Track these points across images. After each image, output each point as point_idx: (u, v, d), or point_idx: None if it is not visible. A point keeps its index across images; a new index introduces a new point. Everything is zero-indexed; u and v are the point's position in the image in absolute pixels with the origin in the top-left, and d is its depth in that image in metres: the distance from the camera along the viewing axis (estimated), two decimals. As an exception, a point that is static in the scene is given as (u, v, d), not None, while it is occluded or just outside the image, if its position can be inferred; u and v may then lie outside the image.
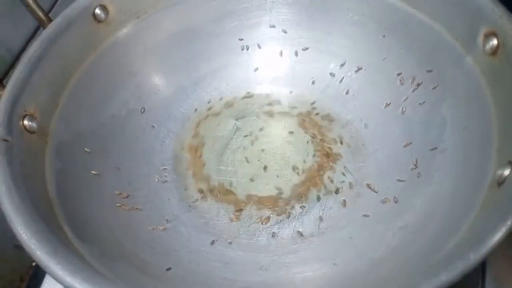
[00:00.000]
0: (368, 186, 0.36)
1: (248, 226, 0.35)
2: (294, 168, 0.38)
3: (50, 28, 0.33)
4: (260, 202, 0.37)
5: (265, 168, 0.39)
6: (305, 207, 0.36)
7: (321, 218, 0.35)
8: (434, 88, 0.35)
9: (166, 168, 0.39)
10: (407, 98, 0.37)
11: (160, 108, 0.41)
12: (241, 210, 0.36)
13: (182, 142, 0.40)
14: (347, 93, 0.41)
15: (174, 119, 0.41)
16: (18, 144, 0.28)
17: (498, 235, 0.22)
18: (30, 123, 0.30)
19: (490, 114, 0.29)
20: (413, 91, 0.37)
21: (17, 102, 0.29)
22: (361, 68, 0.41)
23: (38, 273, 0.40)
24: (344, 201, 0.36)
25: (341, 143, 0.39)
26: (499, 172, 0.26)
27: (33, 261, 0.41)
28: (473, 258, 0.21)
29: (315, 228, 0.35)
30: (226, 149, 0.40)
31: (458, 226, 0.26)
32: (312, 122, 0.41)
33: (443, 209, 0.30)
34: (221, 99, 0.43)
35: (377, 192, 0.35)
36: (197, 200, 0.37)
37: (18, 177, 0.26)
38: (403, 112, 0.37)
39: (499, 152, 0.27)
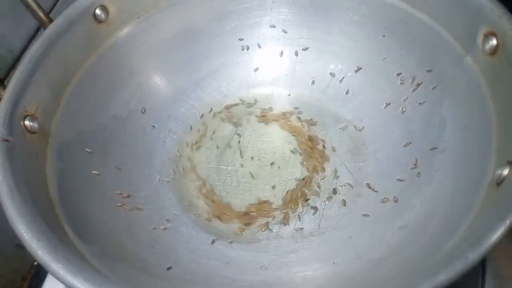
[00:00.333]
0: (368, 185, 0.36)
1: (248, 225, 0.35)
2: (294, 168, 0.38)
3: (51, 29, 0.33)
4: (261, 201, 0.37)
5: (265, 168, 0.39)
6: (305, 206, 0.36)
7: (321, 218, 0.35)
8: (434, 88, 0.35)
9: (167, 168, 0.39)
10: (407, 98, 0.37)
11: (161, 108, 0.41)
12: (242, 209, 0.36)
13: (182, 142, 0.40)
14: (347, 93, 0.41)
15: (174, 119, 0.41)
16: (19, 145, 0.28)
17: (497, 235, 0.22)
18: (31, 123, 0.30)
19: (490, 114, 0.29)
20: (413, 91, 0.37)
21: (18, 102, 0.29)
22: (361, 68, 0.41)
23: (39, 272, 0.40)
24: (344, 200, 0.36)
25: (341, 142, 0.39)
26: (498, 172, 0.26)
27: (35, 260, 0.41)
28: (472, 257, 0.21)
29: (315, 227, 0.35)
30: (226, 149, 0.40)
31: (457, 226, 0.26)
32: (312, 121, 0.41)
33: (442, 209, 0.30)
34: (221, 99, 0.43)
35: (377, 192, 0.36)
36: (197, 200, 0.37)
37: (20, 177, 0.27)
38: (403, 112, 0.38)
39: (499, 152, 0.27)
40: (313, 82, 0.43)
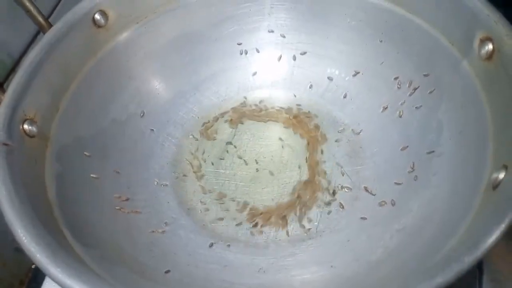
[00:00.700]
0: (366, 189, 0.36)
1: (246, 229, 0.35)
2: (292, 171, 0.39)
3: (50, 33, 0.33)
4: (259, 205, 0.37)
5: (263, 171, 0.39)
6: (303, 210, 0.36)
7: (319, 221, 0.35)
8: (430, 92, 0.36)
9: (165, 172, 0.39)
10: (404, 102, 0.38)
11: (160, 112, 0.41)
12: (240, 213, 0.36)
13: (181, 146, 0.41)
14: (344, 97, 0.41)
15: (173, 123, 0.41)
16: (18, 148, 0.28)
17: (494, 238, 0.22)
18: (30, 127, 0.30)
19: (486, 118, 0.30)
20: (410, 95, 0.37)
21: (17, 106, 0.29)
22: (358, 72, 0.41)
23: (37, 276, 0.40)
24: (342, 204, 0.36)
25: (339, 146, 0.39)
26: (494, 175, 0.26)
27: (33, 264, 0.41)
28: (469, 260, 0.22)
29: (313, 231, 0.35)
30: (225, 153, 0.40)
31: (454, 229, 0.26)
32: (310, 125, 0.41)
33: (440, 212, 0.30)
34: (220, 103, 0.43)
35: (374, 195, 0.36)
36: (196, 203, 0.37)
37: (18, 180, 0.27)
38: (400, 116, 0.38)
39: (495, 155, 0.28)
40: (311, 86, 0.43)
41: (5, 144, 0.27)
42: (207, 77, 0.43)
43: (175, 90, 0.42)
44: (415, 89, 0.37)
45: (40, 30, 0.36)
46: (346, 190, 0.37)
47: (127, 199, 0.35)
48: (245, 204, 0.37)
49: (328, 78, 0.42)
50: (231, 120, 0.42)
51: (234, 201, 0.37)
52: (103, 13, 0.36)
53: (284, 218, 0.36)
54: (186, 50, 0.41)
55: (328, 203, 0.36)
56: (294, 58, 0.43)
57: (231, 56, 0.43)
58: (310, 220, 0.35)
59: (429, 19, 0.35)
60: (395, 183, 0.35)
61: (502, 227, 0.22)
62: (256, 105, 0.43)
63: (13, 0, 0.34)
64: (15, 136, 0.29)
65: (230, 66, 0.43)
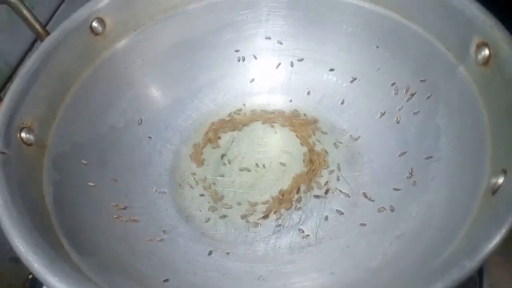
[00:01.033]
0: (364, 195, 0.36)
1: (245, 236, 0.35)
2: (291, 177, 0.38)
3: (48, 41, 0.33)
4: (257, 211, 0.37)
5: (262, 177, 0.39)
6: (302, 216, 0.36)
7: (318, 228, 0.35)
8: (428, 97, 0.36)
9: (163, 179, 0.39)
10: (401, 108, 0.38)
11: (158, 119, 0.41)
12: (239, 220, 0.36)
13: (179, 153, 0.40)
14: (342, 103, 0.41)
15: (171, 130, 0.41)
16: (15, 157, 0.28)
17: (493, 243, 0.22)
18: (27, 135, 0.30)
19: (483, 123, 0.30)
20: (407, 100, 0.37)
21: (14, 114, 0.29)
22: (355, 79, 0.41)
23: (34, 286, 0.40)
24: (341, 210, 0.36)
25: (337, 152, 0.39)
26: (493, 180, 0.26)
27: (30, 274, 0.41)
28: (469, 266, 0.21)
29: (313, 237, 0.35)
30: (223, 159, 0.40)
31: (454, 234, 0.26)
32: (308, 131, 0.41)
33: (439, 218, 0.30)
34: (218, 109, 0.43)
35: (373, 201, 0.36)
36: (194, 210, 0.37)
37: (15, 189, 0.26)
38: (398, 122, 0.38)
39: (493, 160, 0.28)
40: (308, 93, 0.43)
41: (2, 153, 0.27)
42: (205, 84, 0.43)
43: (173, 97, 0.42)
44: (412, 94, 0.37)
45: (38, 38, 0.36)
46: (345, 196, 0.37)
47: (125, 207, 0.35)
48: (244, 211, 0.37)
49: (326, 84, 0.42)
50: (229, 126, 0.42)
51: (233, 208, 0.37)
52: (101, 21, 0.36)
53: (283, 224, 0.36)
54: (184, 57, 0.42)
55: (327, 209, 0.36)
56: (292, 64, 0.43)
57: (229, 63, 0.43)
58: (308, 227, 0.35)
59: (425, 25, 0.35)
60: (394, 188, 0.35)
61: (502, 232, 0.22)
62: (254, 111, 0.43)
63: (10, 8, 0.34)
64: (13, 144, 0.28)
65: (228, 72, 0.43)
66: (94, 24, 0.36)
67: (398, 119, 0.38)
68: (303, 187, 0.38)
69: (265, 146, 0.41)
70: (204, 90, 0.43)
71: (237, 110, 0.43)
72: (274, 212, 0.36)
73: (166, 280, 0.31)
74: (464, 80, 0.32)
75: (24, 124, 0.30)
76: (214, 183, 0.39)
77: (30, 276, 0.41)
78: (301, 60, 0.43)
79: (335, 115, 0.41)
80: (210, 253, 0.34)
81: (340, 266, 0.32)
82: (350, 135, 0.40)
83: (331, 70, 0.42)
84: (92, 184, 0.34)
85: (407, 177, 0.35)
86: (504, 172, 0.26)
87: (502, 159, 0.27)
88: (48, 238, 0.26)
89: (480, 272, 0.33)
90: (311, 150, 0.40)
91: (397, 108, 0.38)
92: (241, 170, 0.39)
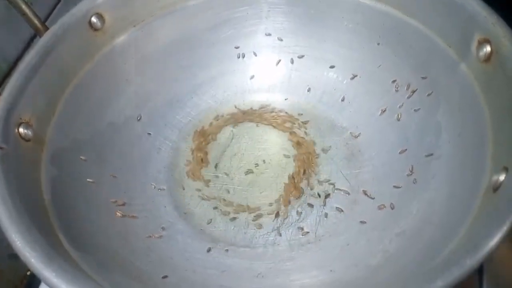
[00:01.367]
0: (365, 192, 0.36)
1: (244, 233, 0.35)
2: (290, 175, 0.38)
3: (47, 37, 0.33)
4: (257, 209, 0.36)
5: (261, 175, 0.39)
6: (301, 213, 0.36)
7: (317, 225, 0.35)
8: (428, 95, 0.36)
9: (162, 176, 0.39)
10: (402, 105, 0.38)
11: (157, 116, 0.41)
12: (237, 217, 0.36)
13: (178, 150, 0.40)
14: (342, 100, 0.41)
15: (170, 127, 0.41)
16: (13, 152, 0.28)
17: (494, 241, 0.22)
18: (25, 131, 0.30)
19: (485, 120, 0.29)
20: (408, 97, 0.37)
21: (12, 110, 0.29)
22: (356, 76, 0.41)
23: (32, 283, 0.39)
24: (341, 208, 0.36)
25: (337, 149, 0.39)
26: (495, 177, 0.26)
27: (28, 271, 0.41)
28: (469, 263, 0.21)
29: (312, 235, 0.35)
30: (223, 157, 0.40)
31: (454, 232, 0.26)
32: (308, 129, 0.41)
33: (439, 215, 0.30)
34: (217, 106, 0.43)
35: (373, 199, 0.35)
36: (193, 207, 0.37)
37: (13, 184, 0.26)
38: (398, 119, 0.38)
39: (494, 157, 0.27)
40: (309, 90, 0.43)
41: (0, 148, 0.27)
42: (204, 80, 0.43)
43: (172, 93, 0.42)
44: (413, 91, 0.37)
45: (36, 34, 0.35)
46: (345, 193, 0.37)
47: (123, 204, 0.35)
48: (243, 208, 0.37)
49: (326, 81, 0.42)
50: (229, 124, 0.42)
51: (232, 205, 0.37)
52: (100, 16, 0.36)
53: (282, 222, 0.35)
54: (183, 54, 0.41)
55: (327, 207, 0.36)
56: (292, 61, 0.43)
57: (229, 59, 0.43)
58: (308, 224, 0.35)
59: (426, 21, 0.35)
60: (394, 186, 0.35)
61: (503, 229, 0.22)
62: (254, 108, 0.43)
63: (9, 3, 0.33)
64: (11, 139, 0.28)
65: (228, 69, 0.43)
66: (93, 19, 0.35)
67: (399, 116, 0.38)
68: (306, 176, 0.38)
69: (265, 143, 0.41)
70: (204, 87, 0.43)
71: (237, 107, 0.43)
72: (274, 209, 0.36)
73: (165, 277, 0.30)
74: (465, 77, 0.32)
75: (22, 119, 0.30)
76: (213, 180, 0.38)
77: (28, 273, 0.41)
78: (302, 57, 0.43)
79: (335, 112, 0.41)
80: (209, 250, 0.34)
81: (340, 263, 0.32)
82: (350, 132, 0.40)
83: (332, 67, 0.42)
84: (90, 180, 0.34)
85: (408, 175, 0.35)
86: (505, 169, 0.25)
87: (504, 157, 0.27)
88: (46, 234, 0.26)
89: (480, 269, 0.33)
90: (312, 150, 0.40)
91: (398, 105, 0.38)
92: (240, 167, 0.39)
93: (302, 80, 0.43)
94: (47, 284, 0.23)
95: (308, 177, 0.38)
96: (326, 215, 0.36)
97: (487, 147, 0.28)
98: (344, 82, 0.41)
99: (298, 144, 0.40)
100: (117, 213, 0.34)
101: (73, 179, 0.33)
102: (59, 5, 0.44)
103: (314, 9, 0.41)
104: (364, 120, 0.40)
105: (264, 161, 0.39)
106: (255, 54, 0.43)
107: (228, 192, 0.38)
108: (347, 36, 0.40)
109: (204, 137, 0.41)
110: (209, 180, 0.38)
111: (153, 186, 0.37)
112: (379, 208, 0.34)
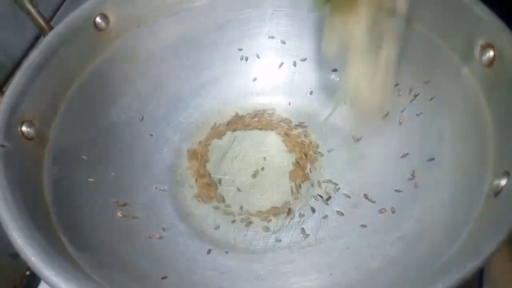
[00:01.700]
0: (366, 196, 0.36)
1: (244, 235, 0.35)
2: (292, 177, 0.38)
3: (51, 36, 0.33)
4: (258, 211, 0.36)
5: (262, 177, 0.39)
6: (303, 216, 0.36)
7: (318, 228, 0.35)
8: (431, 99, 0.36)
9: (164, 177, 0.39)
10: (404, 109, 0.38)
11: (159, 117, 0.41)
12: (238, 220, 0.36)
13: (180, 151, 0.40)
14: (344, 103, 0.41)
15: (173, 128, 0.41)
16: (16, 150, 0.28)
17: (495, 244, 0.22)
18: (28, 129, 0.30)
19: (487, 125, 0.29)
20: (410, 102, 0.37)
21: (16, 108, 0.29)
22: (359, 79, 0.41)
23: (32, 283, 0.39)
24: (342, 211, 0.36)
25: (339, 153, 0.39)
26: (496, 182, 0.26)
27: (28, 270, 0.41)
28: (470, 267, 0.21)
29: (313, 238, 0.34)
30: (224, 158, 0.40)
31: (455, 236, 0.26)
32: (310, 131, 0.41)
33: (440, 219, 0.30)
34: (220, 108, 0.43)
35: (374, 203, 0.35)
36: (194, 209, 0.37)
37: (15, 183, 0.26)
38: (400, 123, 0.38)
39: (496, 162, 0.27)
40: (311, 93, 0.43)
41: (2, 146, 0.27)
42: (207, 82, 0.43)
43: (175, 94, 0.42)
44: (415, 96, 0.37)
45: (41, 33, 0.36)
46: (345, 197, 0.36)
47: (124, 204, 0.35)
48: (244, 210, 0.37)
49: (328, 84, 0.42)
50: (231, 126, 0.42)
51: (233, 207, 0.37)
52: (104, 17, 0.36)
53: (283, 224, 0.35)
54: (187, 55, 0.41)
55: (328, 210, 0.36)
56: (295, 64, 0.43)
57: (232, 61, 0.43)
58: (309, 227, 0.35)
59: (430, 25, 0.35)
60: (395, 190, 0.35)
61: (504, 233, 0.22)
62: (256, 110, 0.43)
63: (14, 2, 0.34)
64: (13, 137, 0.28)
65: (231, 71, 0.43)
66: (98, 19, 0.36)
67: (401, 120, 0.38)
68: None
69: (267, 145, 0.41)
70: (207, 88, 0.43)
71: (239, 109, 0.43)
72: (275, 212, 0.36)
73: (164, 278, 0.30)
74: (468, 82, 0.32)
75: (25, 118, 0.30)
76: (214, 182, 0.38)
77: (28, 272, 0.41)
78: (304, 60, 0.43)
79: (337, 115, 0.41)
80: (209, 251, 0.34)
81: (340, 266, 0.32)
82: (352, 136, 0.40)
83: (334, 70, 0.42)
84: (92, 180, 0.34)
85: (409, 179, 0.35)
86: (507, 174, 0.25)
87: (505, 161, 0.27)
88: (47, 233, 0.26)
89: (481, 274, 0.33)
90: (313, 153, 0.40)
91: (400, 110, 0.38)
92: (241, 169, 0.39)
93: (304, 83, 0.43)
94: (47, 282, 0.23)
95: (309, 177, 0.38)
96: (326, 218, 0.35)
97: (489, 151, 0.28)
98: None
99: (299, 146, 0.40)
100: (118, 213, 0.34)
101: (75, 179, 0.33)
102: (64, 5, 0.44)
103: (317, 12, 0.41)
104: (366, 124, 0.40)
105: (265, 163, 0.39)
106: (258, 56, 0.43)
107: (229, 194, 0.38)
108: (350, 40, 0.40)
109: (197, 158, 0.40)
110: (210, 182, 0.38)
111: (154, 187, 0.37)
112: (380, 212, 0.34)
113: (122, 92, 0.39)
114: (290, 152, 0.40)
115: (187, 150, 0.40)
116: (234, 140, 0.41)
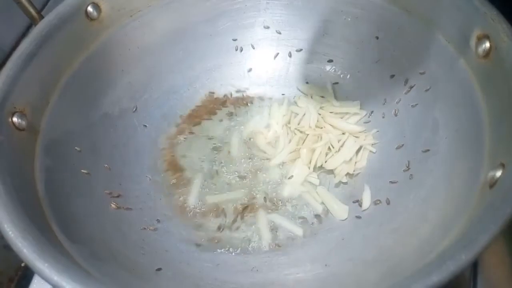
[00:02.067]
0: (361, 187, 0.36)
1: (239, 226, 0.35)
2: (287, 168, 0.38)
3: (42, 25, 0.32)
4: (251, 202, 0.36)
5: (256, 168, 0.38)
6: (296, 208, 0.36)
7: (313, 220, 0.35)
8: (426, 90, 0.35)
9: (158, 168, 0.38)
10: (400, 100, 0.37)
11: (153, 108, 0.40)
12: (233, 210, 0.36)
13: (174, 142, 0.40)
14: (340, 93, 0.41)
15: (166, 119, 0.41)
16: (7, 142, 0.28)
17: (490, 236, 0.22)
18: (19, 120, 0.29)
19: (482, 116, 0.29)
20: (406, 93, 0.37)
21: (6, 99, 0.29)
22: (354, 70, 0.41)
23: (27, 274, 0.39)
24: (337, 202, 0.36)
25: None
26: (491, 174, 0.26)
27: (22, 262, 0.40)
28: (465, 258, 0.21)
29: (308, 229, 0.34)
30: (219, 149, 0.40)
31: (450, 228, 0.26)
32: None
33: (435, 211, 0.30)
34: (214, 99, 0.42)
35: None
36: (188, 200, 0.37)
37: (6, 174, 0.26)
38: (396, 114, 0.38)
39: (491, 154, 0.27)
40: (306, 83, 0.42)
41: (-7, 137, 0.27)
42: (201, 72, 0.42)
43: (169, 85, 0.41)
44: (411, 87, 0.37)
45: (32, 23, 0.35)
46: (341, 188, 0.36)
47: (118, 195, 0.34)
48: (237, 201, 0.36)
49: (324, 75, 0.42)
50: (225, 116, 0.42)
51: (227, 198, 0.37)
52: (96, 6, 0.35)
53: (277, 215, 0.35)
54: (180, 45, 0.41)
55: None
56: (290, 54, 0.43)
57: (226, 52, 0.43)
58: (304, 219, 0.35)
59: (425, 16, 0.35)
60: (390, 181, 0.35)
61: (499, 225, 0.22)
62: (251, 101, 0.43)
63: (4, -9, 0.33)
64: (4, 128, 0.28)
65: (225, 62, 0.43)
66: (89, 9, 0.35)
67: (396, 111, 0.37)
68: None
69: (261, 136, 0.41)
70: (201, 79, 0.42)
71: (234, 100, 0.42)
72: (269, 203, 0.36)
73: (159, 269, 0.30)
74: (464, 73, 0.32)
75: (16, 108, 0.29)
76: (209, 174, 0.38)
77: (23, 264, 0.40)
78: (300, 50, 0.43)
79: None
80: (203, 243, 0.34)
81: (335, 258, 0.32)
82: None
83: (330, 61, 0.42)
84: (85, 171, 0.33)
85: (404, 170, 0.35)
86: (502, 165, 0.25)
87: (500, 153, 0.27)
88: (39, 225, 0.25)
89: (475, 265, 0.33)
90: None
91: (396, 101, 0.38)
92: (236, 160, 0.39)
93: (299, 73, 0.43)
94: (39, 275, 0.22)
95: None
96: (321, 209, 0.35)
97: (484, 143, 0.28)
98: (342, 76, 0.41)
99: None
100: (112, 204, 0.34)
101: (68, 170, 0.32)
102: (55, -6, 0.44)
103: (313, 2, 0.40)
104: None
105: (258, 154, 0.39)
106: (253, 47, 0.43)
107: (223, 185, 0.38)
108: (346, 31, 0.40)
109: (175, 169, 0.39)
110: (205, 172, 0.38)
111: (148, 179, 0.37)
112: (375, 203, 0.34)
113: (115, 82, 0.38)
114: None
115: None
116: (228, 130, 0.41)
